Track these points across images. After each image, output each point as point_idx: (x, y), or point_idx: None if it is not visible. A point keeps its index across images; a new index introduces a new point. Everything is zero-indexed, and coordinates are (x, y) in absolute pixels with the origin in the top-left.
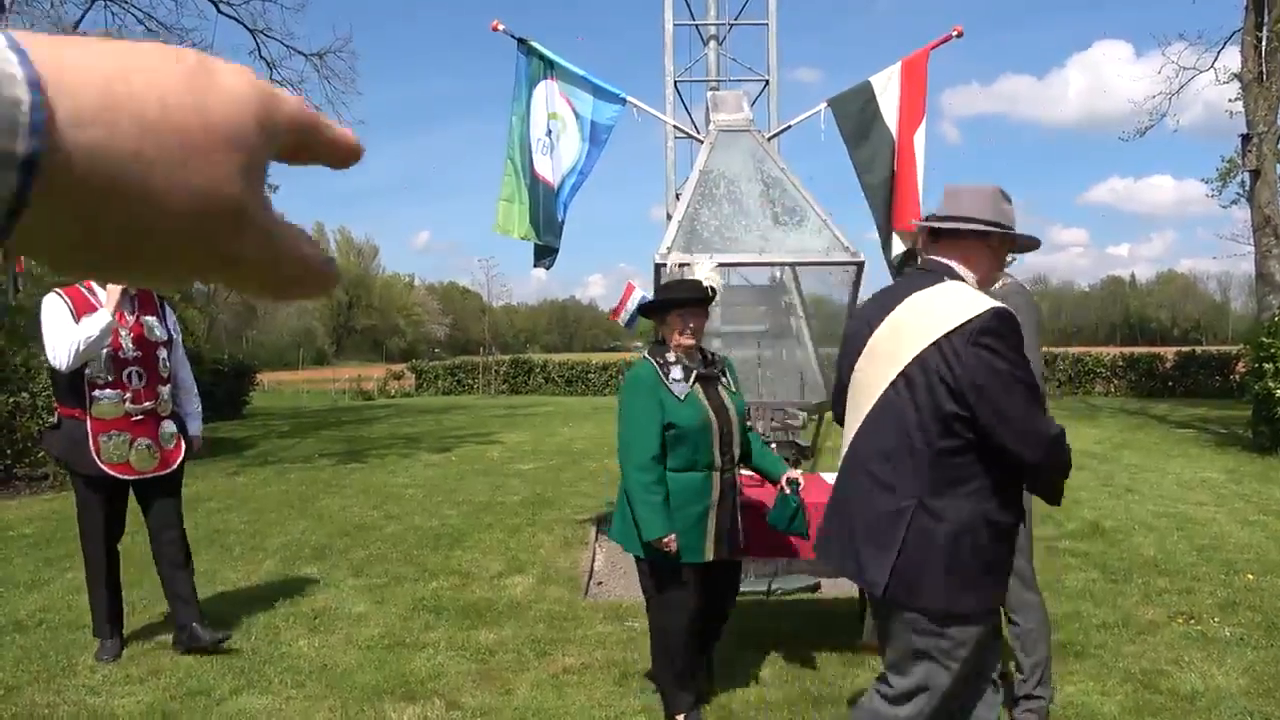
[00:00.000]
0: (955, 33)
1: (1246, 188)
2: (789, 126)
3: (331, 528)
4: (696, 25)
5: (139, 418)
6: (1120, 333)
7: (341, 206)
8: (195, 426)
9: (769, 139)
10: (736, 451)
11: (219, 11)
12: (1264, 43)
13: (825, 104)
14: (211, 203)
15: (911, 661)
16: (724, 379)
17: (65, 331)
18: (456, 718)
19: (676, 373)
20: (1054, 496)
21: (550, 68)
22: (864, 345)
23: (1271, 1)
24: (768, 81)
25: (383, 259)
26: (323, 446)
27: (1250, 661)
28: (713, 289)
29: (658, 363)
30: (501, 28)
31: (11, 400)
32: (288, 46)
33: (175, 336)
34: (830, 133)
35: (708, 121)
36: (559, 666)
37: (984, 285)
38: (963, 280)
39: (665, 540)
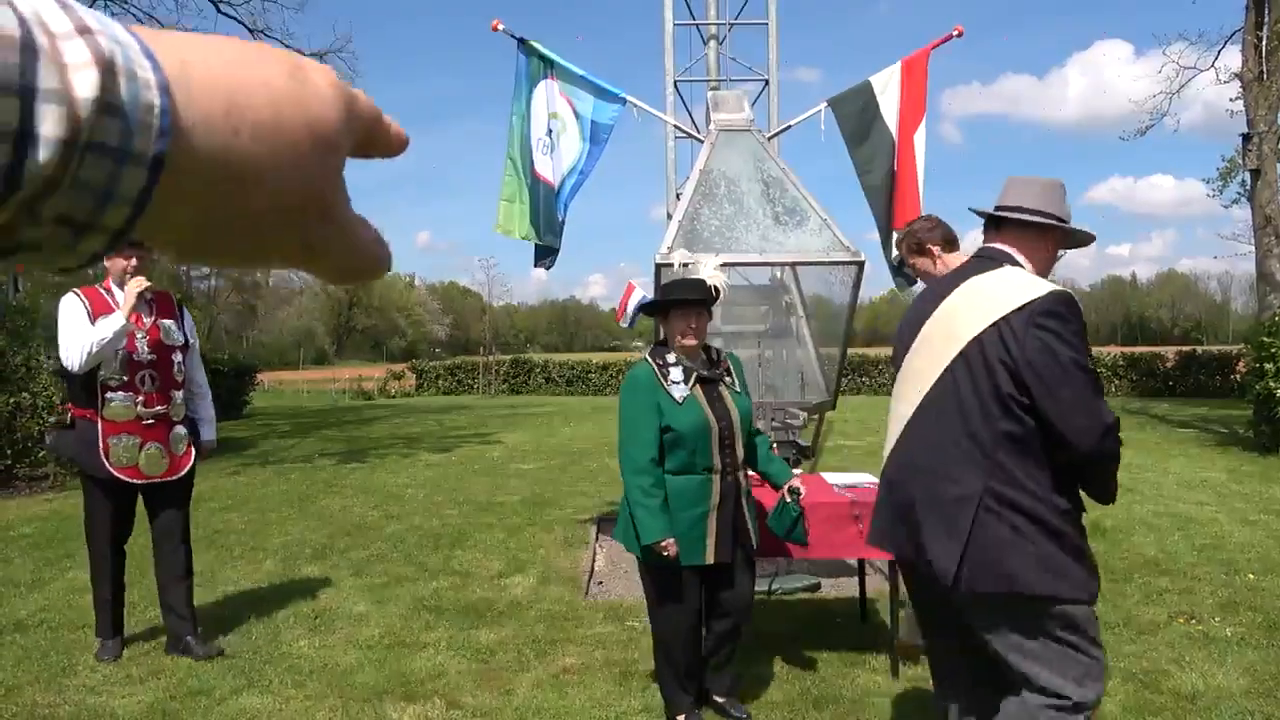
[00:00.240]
0: (955, 32)
1: (1247, 187)
2: (789, 126)
3: (332, 527)
4: (697, 25)
5: (150, 421)
6: (1121, 332)
7: None
8: (208, 431)
9: (769, 139)
10: (740, 453)
11: (219, 11)
12: (1264, 42)
13: (825, 104)
14: (310, 199)
15: (1059, 657)
16: (728, 379)
17: (79, 332)
18: (457, 717)
19: (675, 374)
20: (1107, 492)
21: (550, 67)
22: (918, 333)
23: (1272, 1)
24: (768, 81)
25: None
26: (323, 446)
27: (1251, 661)
28: (716, 288)
29: (656, 364)
30: (501, 27)
31: (12, 400)
32: (288, 46)
33: (192, 341)
34: (830, 133)
35: (708, 121)
36: (559, 666)
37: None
38: (1022, 267)
39: (663, 544)
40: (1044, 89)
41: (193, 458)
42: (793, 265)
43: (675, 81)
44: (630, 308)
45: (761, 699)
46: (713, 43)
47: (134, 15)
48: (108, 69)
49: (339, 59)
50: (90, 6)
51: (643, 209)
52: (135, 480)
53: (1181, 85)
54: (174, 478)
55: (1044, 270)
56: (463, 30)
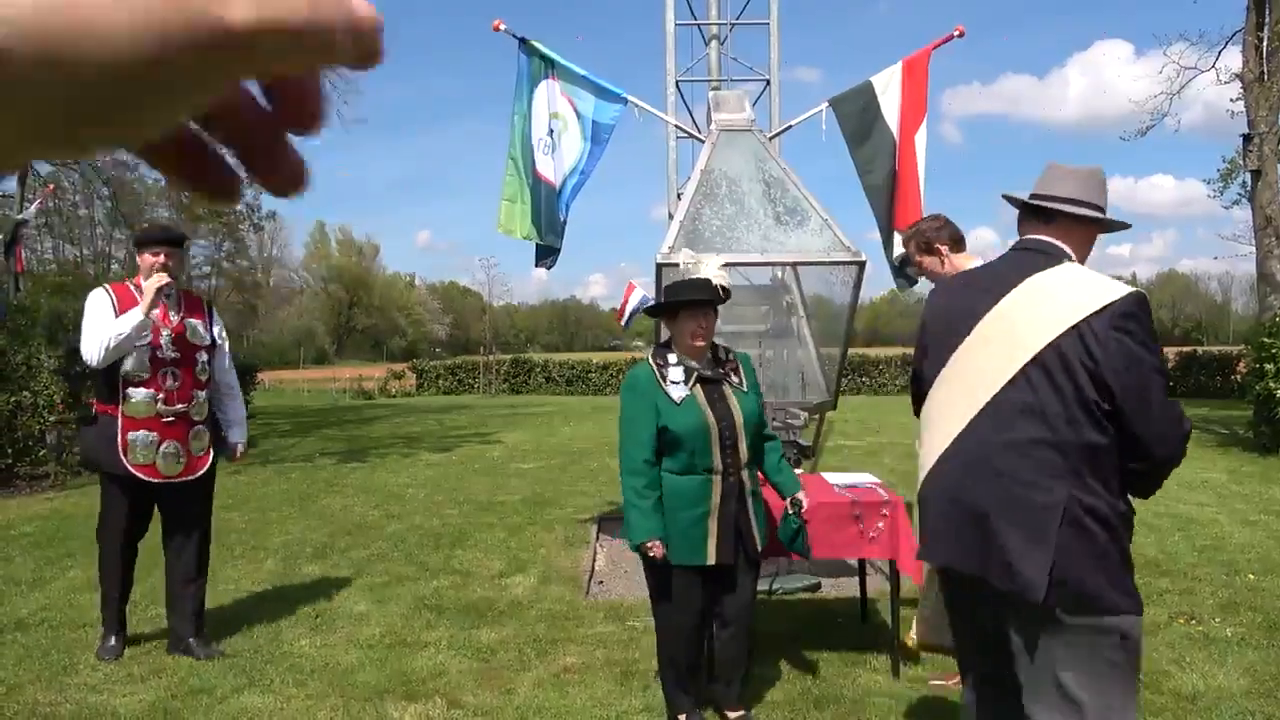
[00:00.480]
0: (957, 32)
1: (1248, 188)
2: (790, 126)
3: (333, 527)
4: (698, 25)
5: (170, 419)
6: None
7: (342, 205)
8: (238, 434)
9: (770, 139)
10: (744, 453)
11: None
12: (1265, 43)
13: (826, 104)
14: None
15: (1104, 678)
16: (734, 379)
17: (100, 327)
18: (458, 716)
19: (675, 375)
20: (1150, 492)
21: (552, 67)
22: (968, 330)
23: (1273, 2)
24: (769, 81)
25: (384, 258)
26: (324, 445)
27: (1251, 662)
28: (724, 288)
29: (656, 364)
30: (503, 27)
31: (13, 399)
32: None
33: (220, 342)
34: (831, 133)
35: (709, 121)
36: (560, 666)
37: None
38: (1075, 262)
39: (649, 545)
40: (1044, 89)
41: (211, 459)
42: (794, 265)
43: (677, 81)
44: (630, 307)
45: (762, 699)
46: (714, 43)
47: None
48: None
49: None
50: None
51: (643, 209)
52: (152, 479)
53: (1182, 86)
54: (190, 478)
55: (1083, 262)
56: (463, 30)
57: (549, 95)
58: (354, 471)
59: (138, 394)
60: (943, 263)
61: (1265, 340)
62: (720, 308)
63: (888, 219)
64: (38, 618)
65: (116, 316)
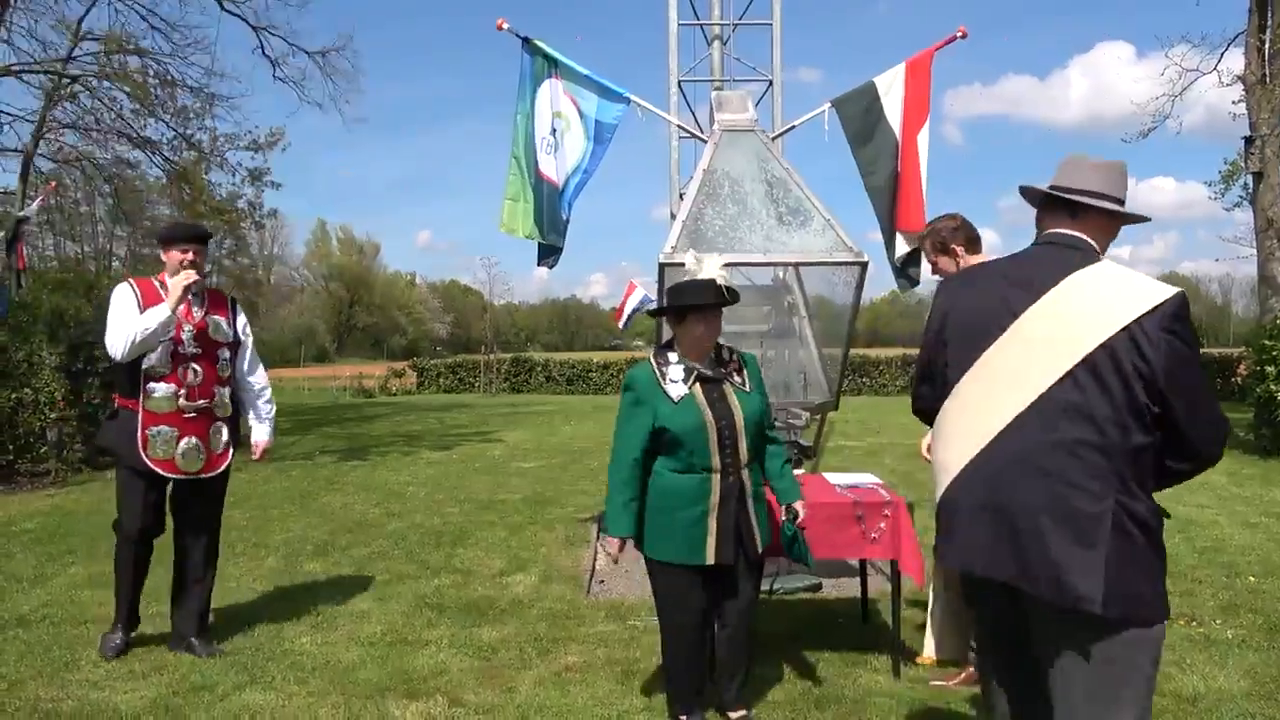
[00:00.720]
0: (959, 34)
1: (1249, 190)
2: (793, 127)
3: (333, 525)
4: (701, 25)
5: (191, 415)
6: None
7: (343, 204)
8: (263, 431)
9: (773, 139)
10: (744, 454)
11: (222, 8)
12: (1267, 45)
13: (829, 104)
14: None
15: (1139, 687)
16: (736, 379)
17: (125, 322)
18: (459, 715)
19: (675, 374)
20: (1170, 485)
21: (555, 67)
22: (1003, 327)
23: (1275, 4)
24: (771, 82)
25: (384, 257)
26: (324, 443)
27: (1252, 664)
28: (730, 289)
29: (657, 364)
30: (506, 26)
31: (14, 396)
32: (291, 44)
33: (244, 339)
34: (834, 133)
35: (712, 121)
36: (561, 665)
37: None
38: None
39: (610, 541)
40: (1045, 90)
41: (229, 458)
42: (796, 265)
43: (679, 81)
44: (629, 307)
45: (763, 699)
46: (716, 43)
47: (137, 13)
48: None
49: (342, 57)
50: (90, 8)
51: (644, 208)
52: (170, 474)
53: (1184, 88)
54: (208, 475)
55: (1104, 255)
56: (464, 30)
57: (552, 95)
58: (355, 469)
59: (159, 389)
60: (957, 263)
61: (1266, 343)
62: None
63: (890, 220)
64: (39, 614)
65: (141, 312)
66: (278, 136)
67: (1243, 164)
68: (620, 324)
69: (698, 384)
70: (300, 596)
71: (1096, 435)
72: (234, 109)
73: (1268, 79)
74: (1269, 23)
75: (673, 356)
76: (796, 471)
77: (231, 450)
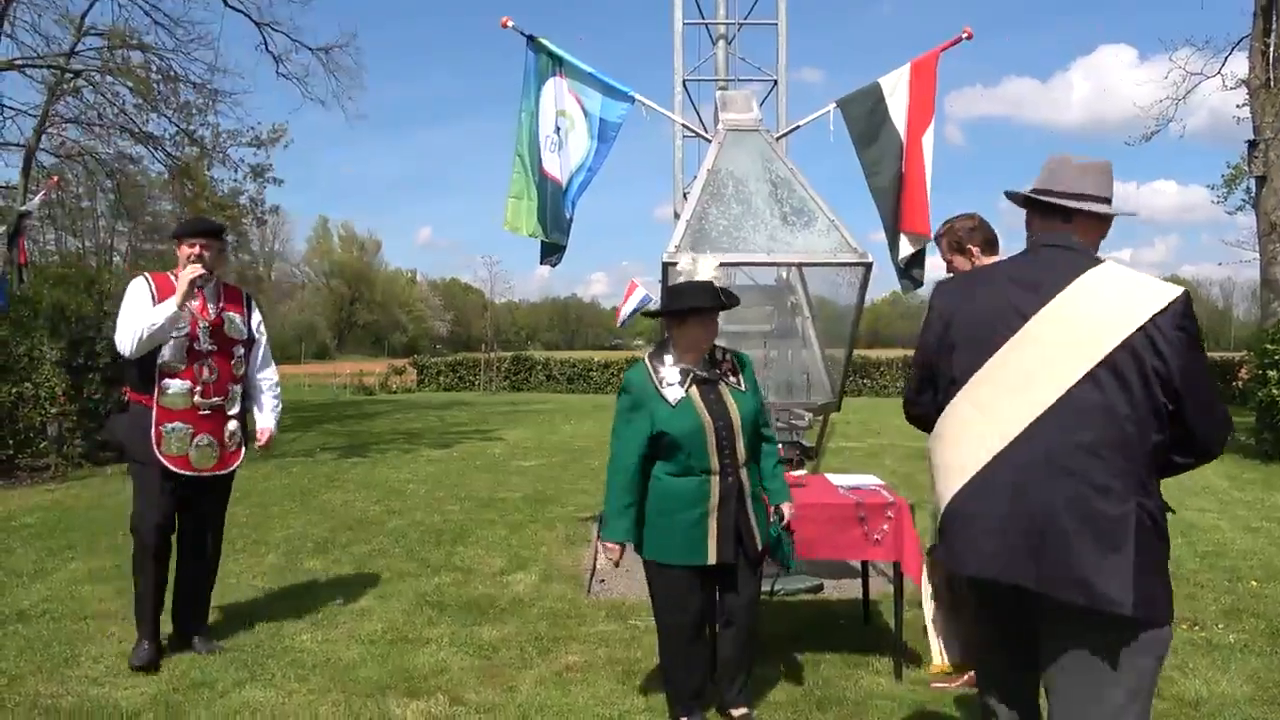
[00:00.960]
0: (965, 35)
1: (1252, 194)
2: (798, 127)
3: (334, 522)
4: (706, 24)
5: (206, 412)
6: None
7: (345, 200)
8: (267, 419)
9: (777, 139)
10: (741, 454)
11: (226, 4)
12: (1272, 49)
13: (834, 105)
14: None
15: (1147, 688)
16: (731, 379)
17: (135, 317)
18: (460, 713)
19: (671, 376)
20: (1168, 476)
21: (559, 65)
22: (1012, 330)
23: None
24: (776, 81)
25: (385, 254)
26: (324, 441)
27: (1254, 668)
28: (729, 291)
29: (652, 367)
30: (511, 24)
31: (14, 391)
32: (294, 40)
33: (258, 337)
34: (839, 134)
35: (716, 121)
36: (562, 664)
37: None
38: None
39: (608, 545)
40: (1047, 92)
41: (242, 455)
42: (800, 266)
43: (684, 81)
44: (629, 307)
45: (765, 700)
46: (721, 42)
47: (141, 8)
48: None
49: (345, 54)
50: (94, 3)
51: (646, 208)
52: (184, 471)
53: (1188, 91)
54: (221, 473)
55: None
56: (465, 28)
57: (556, 93)
58: (355, 467)
59: (173, 385)
60: (972, 264)
61: (1268, 346)
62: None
63: (893, 220)
64: (39, 609)
65: (154, 306)
66: (280, 133)
67: (1246, 167)
68: (619, 323)
69: (694, 386)
70: (300, 594)
71: (1119, 435)
72: (236, 105)
73: (1272, 83)
74: (1274, 26)
75: (668, 359)
76: (799, 472)
77: (243, 449)
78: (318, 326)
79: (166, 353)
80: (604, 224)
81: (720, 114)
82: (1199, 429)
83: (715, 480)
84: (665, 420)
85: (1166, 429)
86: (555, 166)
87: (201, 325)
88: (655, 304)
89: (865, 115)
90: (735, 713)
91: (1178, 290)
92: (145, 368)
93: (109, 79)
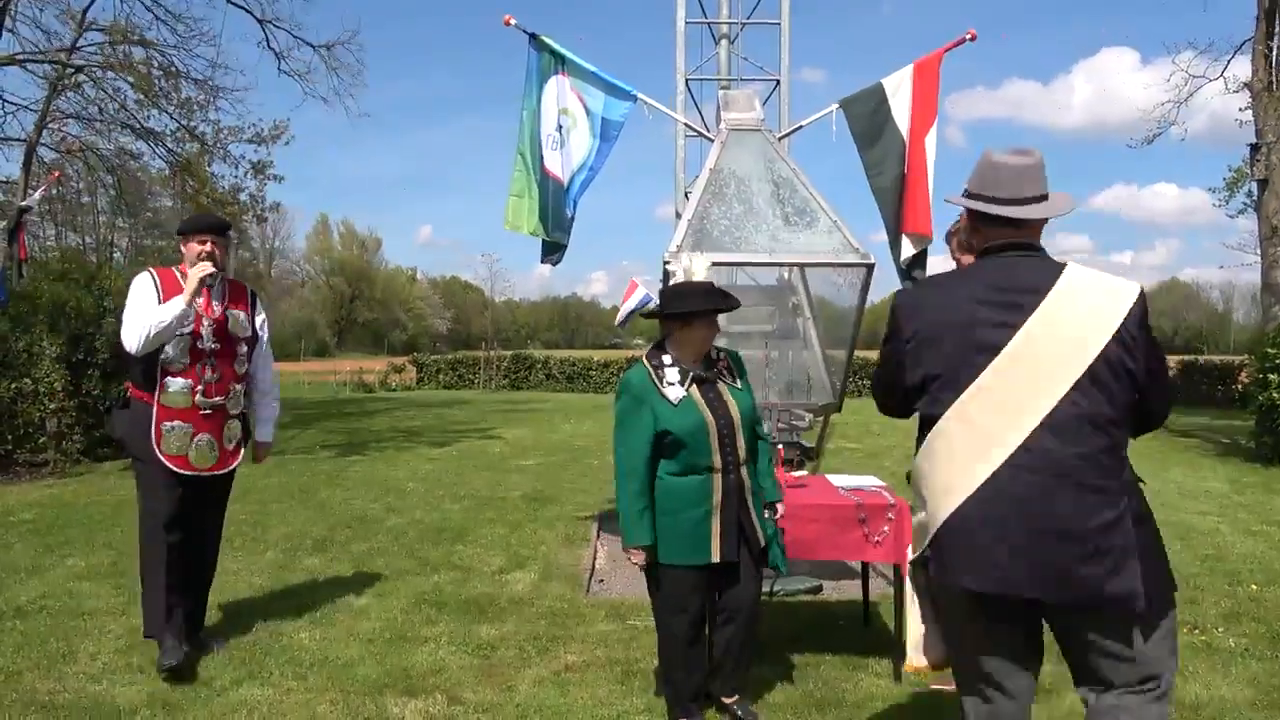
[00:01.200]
0: (969, 36)
1: (1254, 197)
2: (800, 127)
3: (333, 520)
4: (709, 24)
5: (207, 411)
6: None
7: (346, 198)
8: (266, 431)
9: (780, 139)
10: (742, 451)
11: (228, 1)
12: (1275, 52)
13: (837, 105)
14: None
15: (1173, 628)
16: (726, 377)
17: (142, 314)
18: (458, 713)
19: (671, 376)
20: None
21: (562, 63)
22: (1001, 343)
23: None
24: (778, 81)
25: (385, 252)
26: (324, 438)
27: (1255, 673)
28: (725, 292)
29: (652, 366)
30: (514, 22)
31: (14, 386)
32: (296, 37)
33: (261, 335)
34: (841, 134)
35: (718, 120)
36: (561, 664)
37: None
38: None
39: (632, 551)
40: (1049, 94)
41: (241, 456)
42: (801, 266)
43: (686, 80)
44: (629, 306)
45: (763, 701)
46: (724, 41)
47: (143, 4)
48: None
49: (347, 51)
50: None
51: (647, 207)
52: (182, 470)
53: (1190, 94)
54: (220, 473)
55: None
56: (467, 26)
57: (558, 91)
58: (354, 464)
59: (175, 383)
60: None
61: (1269, 350)
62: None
63: (895, 221)
64: (36, 605)
65: (160, 303)
66: (281, 130)
67: (1248, 171)
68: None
69: (694, 385)
70: (299, 592)
71: (1107, 439)
72: (238, 102)
73: (1274, 86)
74: (1277, 30)
75: (667, 359)
76: (799, 472)
77: (243, 448)
78: (318, 324)
79: (169, 350)
80: (605, 223)
81: (722, 113)
82: (1157, 411)
83: (718, 478)
84: (668, 419)
85: (1132, 425)
86: (557, 165)
87: (205, 323)
88: (655, 304)
89: (868, 115)
90: (727, 700)
91: (1136, 288)
92: (148, 365)
93: (110, 74)
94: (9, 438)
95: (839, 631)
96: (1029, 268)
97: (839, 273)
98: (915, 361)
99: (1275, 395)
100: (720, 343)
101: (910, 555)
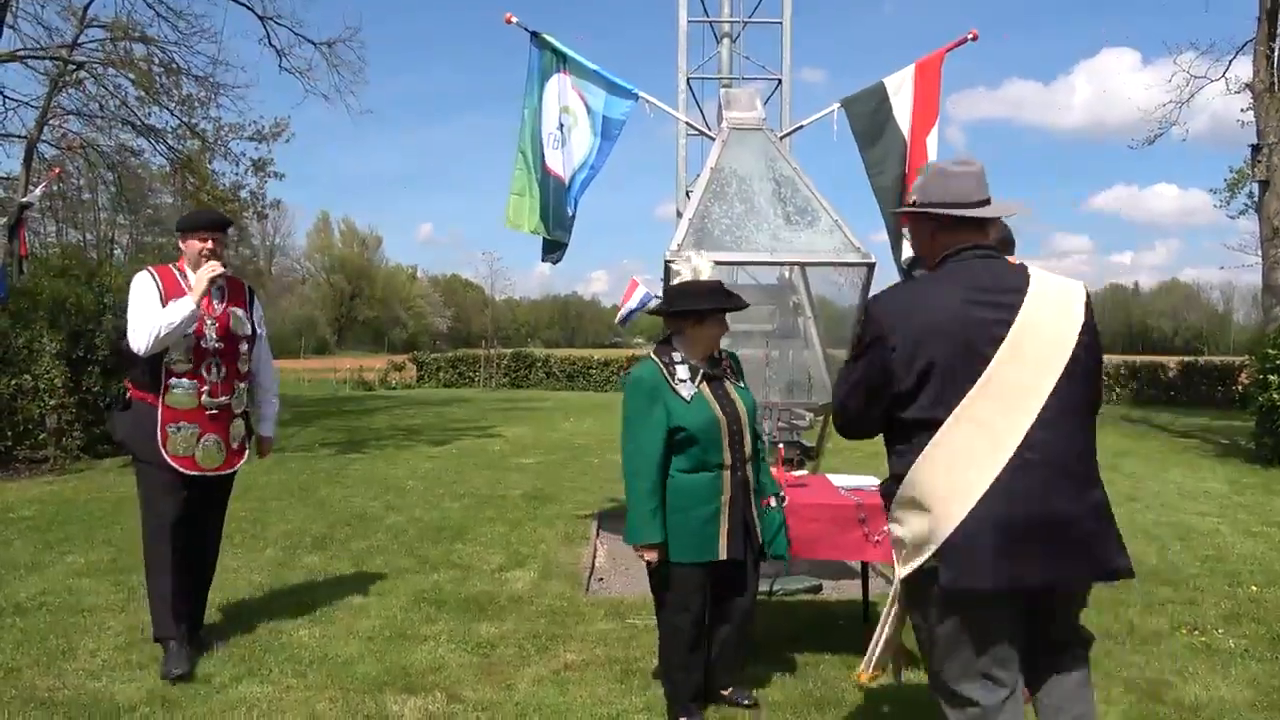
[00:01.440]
0: (970, 36)
1: (1255, 198)
2: (801, 126)
3: (332, 518)
4: (710, 22)
5: (213, 412)
6: (1122, 341)
7: (346, 196)
8: (268, 427)
9: (781, 138)
10: (748, 449)
11: None
12: (1277, 53)
13: (838, 104)
14: None
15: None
16: (731, 376)
17: (149, 315)
18: (457, 711)
19: (682, 373)
20: None
21: (563, 61)
22: (992, 347)
23: None
24: (780, 80)
25: (386, 250)
26: (324, 436)
27: (1255, 674)
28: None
29: (663, 363)
30: (515, 20)
31: (13, 383)
32: (297, 34)
33: (260, 331)
34: (842, 133)
35: (720, 119)
36: (560, 662)
37: None
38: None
39: (646, 548)
40: (1049, 95)
41: (246, 453)
42: (803, 265)
43: (688, 78)
44: (630, 305)
45: (763, 700)
46: (726, 40)
47: (144, 1)
48: None
49: (348, 48)
50: None
51: (647, 206)
52: (189, 471)
53: (1191, 95)
54: (226, 473)
55: None
56: (468, 24)
57: (560, 89)
58: (354, 462)
59: (180, 384)
60: None
61: (1270, 351)
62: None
63: (896, 221)
64: (36, 602)
65: (163, 302)
66: (282, 127)
67: (1249, 172)
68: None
69: (704, 382)
70: (298, 589)
71: (1086, 428)
72: (239, 99)
73: (1276, 87)
74: (1278, 31)
75: (676, 355)
76: (799, 472)
77: (248, 447)
78: (318, 321)
79: (174, 351)
80: (605, 222)
81: (724, 112)
82: (1097, 401)
83: (727, 475)
84: (681, 415)
85: None
86: (558, 163)
87: (208, 323)
88: (656, 302)
89: (869, 115)
90: (724, 692)
91: (1082, 286)
92: (152, 366)
93: (111, 71)
94: (9, 434)
95: (839, 631)
96: (1001, 269)
97: (840, 272)
98: (908, 366)
99: (1275, 396)
100: (723, 342)
101: (901, 572)
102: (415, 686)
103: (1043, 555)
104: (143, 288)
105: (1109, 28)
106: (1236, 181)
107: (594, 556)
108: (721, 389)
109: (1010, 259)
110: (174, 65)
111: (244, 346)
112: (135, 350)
